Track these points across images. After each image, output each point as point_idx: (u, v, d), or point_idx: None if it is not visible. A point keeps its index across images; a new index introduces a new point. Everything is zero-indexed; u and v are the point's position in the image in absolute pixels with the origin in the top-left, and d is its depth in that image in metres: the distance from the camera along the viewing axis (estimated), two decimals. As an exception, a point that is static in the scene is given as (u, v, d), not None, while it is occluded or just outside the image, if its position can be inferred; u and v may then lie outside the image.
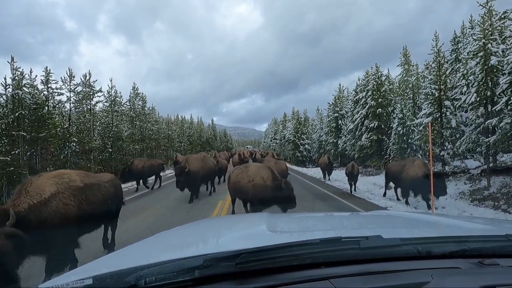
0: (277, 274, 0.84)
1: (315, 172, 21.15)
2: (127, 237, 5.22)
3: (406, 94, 20.42)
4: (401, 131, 16.46)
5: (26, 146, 15.20)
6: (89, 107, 21.09)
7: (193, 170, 9.24)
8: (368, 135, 19.21)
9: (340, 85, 29.70)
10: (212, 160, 11.83)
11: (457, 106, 12.19)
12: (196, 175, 9.33)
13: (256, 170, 6.09)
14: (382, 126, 18.85)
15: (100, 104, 22.75)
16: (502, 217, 7.28)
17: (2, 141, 14.10)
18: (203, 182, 10.35)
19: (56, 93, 18.59)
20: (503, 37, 10.91)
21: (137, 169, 12.36)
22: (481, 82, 10.33)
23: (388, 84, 21.09)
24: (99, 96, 21.66)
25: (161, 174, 14.53)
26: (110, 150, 20.68)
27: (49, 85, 17.77)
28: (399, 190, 9.73)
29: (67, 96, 19.71)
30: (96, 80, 21.53)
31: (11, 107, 14.86)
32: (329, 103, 28.89)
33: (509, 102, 9.10)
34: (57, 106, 19.22)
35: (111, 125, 21.71)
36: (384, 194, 10.67)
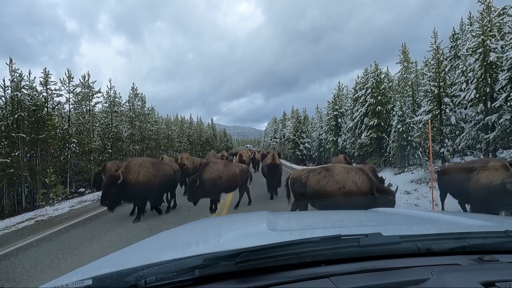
0: (277, 273, 0.84)
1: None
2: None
3: (405, 92, 20.40)
4: (401, 129, 16.45)
5: (25, 148, 15.20)
6: (88, 108, 21.08)
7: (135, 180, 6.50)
8: (368, 133, 19.20)
9: (339, 83, 29.69)
10: (172, 166, 8.15)
11: (456, 103, 12.19)
12: (138, 187, 6.53)
13: (346, 173, 4.80)
14: (382, 124, 18.83)
15: (100, 105, 22.77)
16: (501, 213, 7.27)
17: (2, 143, 14.09)
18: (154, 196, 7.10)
19: (55, 95, 18.61)
20: (502, 33, 10.90)
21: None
22: (480, 79, 10.32)
23: (387, 81, 21.06)
24: (98, 97, 21.68)
25: None
26: (110, 150, 20.68)
27: (48, 87, 17.76)
28: (466, 204, 6.51)
29: (66, 98, 19.72)
30: (95, 81, 21.55)
31: (10, 109, 14.85)
32: (328, 101, 28.87)
33: (509, 98, 9.10)
34: (56, 107, 19.22)
35: (110, 125, 21.70)
36: (442, 208, 7.55)
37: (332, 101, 28.13)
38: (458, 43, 17.39)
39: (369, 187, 4.63)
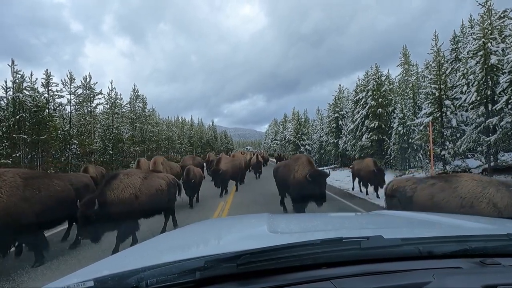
0: (278, 275, 0.84)
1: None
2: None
3: (406, 94, 20.41)
4: (402, 131, 16.44)
5: (27, 149, 15.24)
6: (89, 109, 21.15)
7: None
8: (369, 135, 19.19)
9: (340, 85, 29.71)
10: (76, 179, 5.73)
11: (457, 105, 12.19)
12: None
13: (478, 188, 3.47)
14: (383, 126, 18.82)
15: (101, 106, 22.84)
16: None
17: (3, 144, 14.13)
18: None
19: (57, 96, 18.68)
20: (503, 36, 10.91)
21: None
22: (481, 81, 10.32)
23: (388, 84, 21.08)
24: (100, 99, 21.75)
25: None
26: (111, 152, 20.71)
27: (49, 88, 17.82)
28: None
29: (67, 99, 19.78)
30: (97, 83, 21.61)
31: (12, 110, 14.90)
32: (329, 104, 28.90)
33: (510, 101, 9.10)
34: (57, 108, 19.29)
35: (111, 127, 21.75)
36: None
37: (333, 103, 28.15)
38: (459, 46, 17.41)
39: None
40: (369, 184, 10.26)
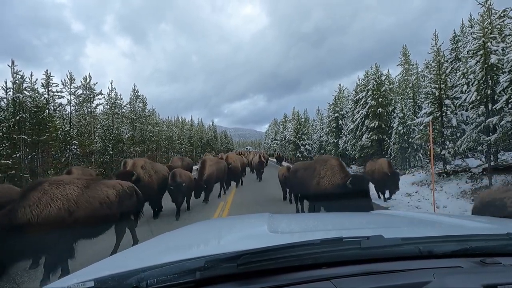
0: (278, 275, 0.84)
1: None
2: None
3: (406, 94, 20.42)
4: (402, 131, 16.45)
5: (27, 149, 15.24)
6: (89, 109, 21.16)
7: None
8: (369, 135, 19.19)
9: (340, 85, 29.71)
10: None
11: (457, 105, 12.18)
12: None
13: None
14: (383, 126, 18.83)
15: (101, 107, 22.85)
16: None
17: (3, 145, 14.13)
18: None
19: (57, 96, 18.69)
20: (503, 35, 10.91)
21: None
22: (481, 81, 10.32)
23: (388, 83, 21.09)
24: (100, 99, 21.76)
25: None
26: (111, 152, 20.70)
27: (49, 88, 17.83)
28: None
29: (67, 99, 19.79)
30: (97, 83, 21.61)
31: (12, 110, 14.90)
32: (329, 103, 28.90)
33: (510, 101, 9.09)
34: (57, 109, 19.30)
35: (111, 127, 21.75)
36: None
37: (333, 103, 28.16)
38: (458, 45, 17.40)
39: None
40: (384, 189, 9.36)
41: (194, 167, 15.84)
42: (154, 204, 7.30)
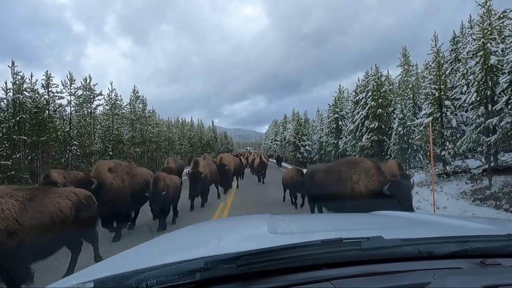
0: (278, 276, 0.84)
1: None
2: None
3: (406, 95, 20.42)
4: (402, 132, 16.46)
5: (27, 150, 15.24)
6: (89, 110, 21.16)
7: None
8: (369, 136, 19.19)
9: (340, 86, 29.75)
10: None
11: (457, 105, 12.18)
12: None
13: None
14: (383, 127, 18.83)
15: (101, 107, 22.86)
16: (504, 216, 7.25)
17: (3, 145, 14.13)
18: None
19: (57, 97, 18.70)
20: (503, 36, 10.92)
21: None
22: (481, 82, 10.32)
23: (388, 84, 21.11)
24: (100, 100, 21.77)
25: None
26: (111, 153, 20.72)
27: (49, 89, 17.84)
28: None
29: (67, 100, 19.80)
30: (97, 83, 21.60)
31: (12, 111, 14.91)
32: (329, 104, 28.93)
33: (510, 101, 9.10)
34: (57, 109, 19.30)
35: (111, 128, 21.76)
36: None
37: (332, 104, 28.18)
38: (458, 46, 17.41)
39: None
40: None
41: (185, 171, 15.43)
42: (128, 213, 6.15)
